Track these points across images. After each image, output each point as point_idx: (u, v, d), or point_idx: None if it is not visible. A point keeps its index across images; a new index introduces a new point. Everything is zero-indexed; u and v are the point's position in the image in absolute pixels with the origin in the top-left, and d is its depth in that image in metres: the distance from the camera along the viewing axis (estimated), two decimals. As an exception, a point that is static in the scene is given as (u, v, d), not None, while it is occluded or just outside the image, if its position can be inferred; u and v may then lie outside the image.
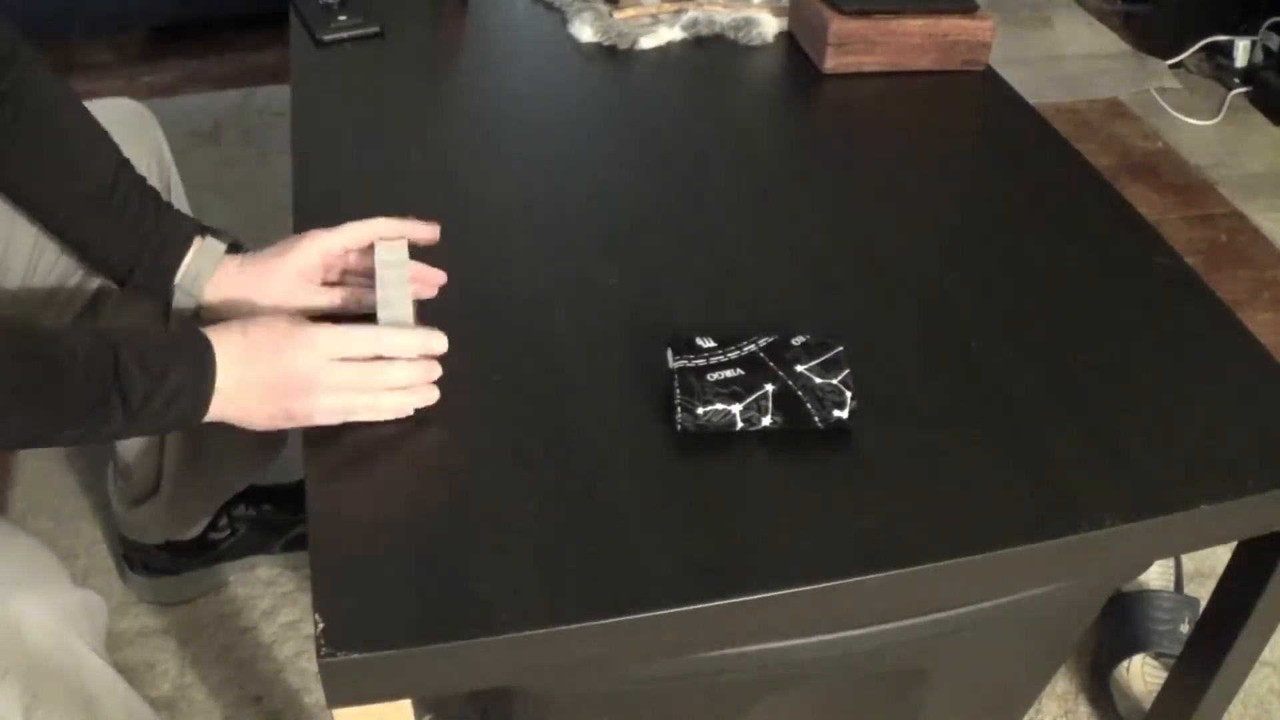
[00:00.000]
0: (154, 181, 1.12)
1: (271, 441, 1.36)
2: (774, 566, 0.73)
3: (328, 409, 0.81)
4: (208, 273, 0.97)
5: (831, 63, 1.29)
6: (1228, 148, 2.33)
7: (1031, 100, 1.28)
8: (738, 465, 0.80)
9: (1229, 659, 0.94)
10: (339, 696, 0.69)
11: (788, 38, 1.38)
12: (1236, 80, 2.49)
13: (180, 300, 0.98)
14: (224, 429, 1.27)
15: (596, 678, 0.84)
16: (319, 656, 0.66)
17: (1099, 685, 1.30)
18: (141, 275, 0.98)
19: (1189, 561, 1.40)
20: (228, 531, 1.38)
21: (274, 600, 1.38)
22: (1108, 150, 2.30)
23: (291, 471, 1.36)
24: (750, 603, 0.71)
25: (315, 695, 1.29)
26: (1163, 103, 2.44)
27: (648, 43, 1.35)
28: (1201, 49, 2.57)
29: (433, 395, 0.83)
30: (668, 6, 1.39)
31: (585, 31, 1.36)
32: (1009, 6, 2.76)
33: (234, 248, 0.99)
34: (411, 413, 0.82)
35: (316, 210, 1.01)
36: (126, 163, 1.00)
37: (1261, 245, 2.06)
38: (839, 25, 1.27)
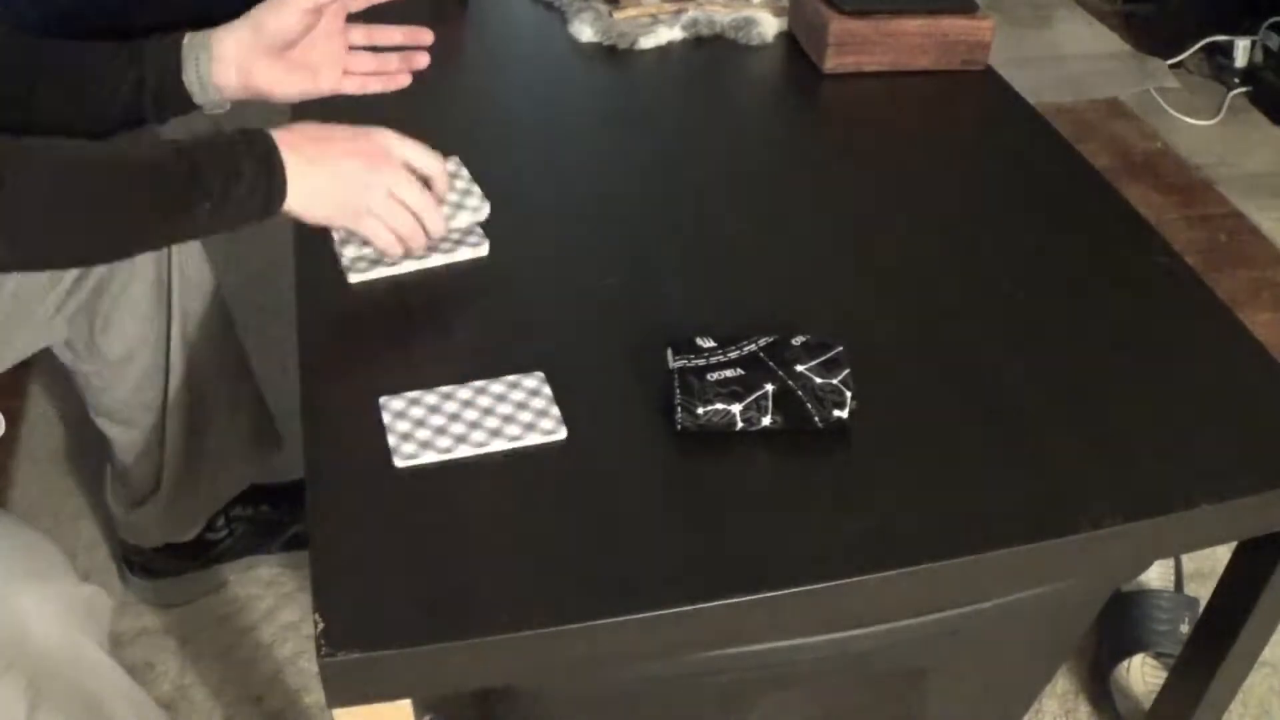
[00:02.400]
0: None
1: (269, 442, 1.36)
2: (774, 566, 0.73)
3: (389, 217, 0.89)
4: (207, 51, 0.97)
5: (831, 63, 1.29)
6: (1228, 148, 2.33)
7: (1031, 100, 1.28)
8: (738, 465, 0.80)
9: (1229, 659, 0.94)
10: (339, 696, 0.69)
11: (788, 38, 1.38)
12: (1236, 80, 2.49)
13: (199, 94, 0.98)
14: (222, 430, 1.27)
15: (596, 678, 0.84)
16: (319, 656, 0.66)
17: (1099, 685, 1.30)
18: (151, 96, 0.97)
19: (1189, 561, 1.40)
20: (225, 532, 1.37)
21: (274, 600, 1.38)
22: (1108, 150, 2.30)
23: (288, 471, 1.36)
24: (750, 603, 0.71)
25: (315, 695, 1.28)
26: (1163, 103, 2.44)
27: (648, 43, 1.35)
28: (1201, 49, 2.57)
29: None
30: (668, 6, 1.39)
31: (585, 31, 1.36)
32: (1009, 6, 2.76)
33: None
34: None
35: (316, 210, 1.01)
36: (96, 48, 0.99)
37: (1261, 245, 2.06)
38: (839, 25, 1.27)
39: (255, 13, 0.97)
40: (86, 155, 0.83)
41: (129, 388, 1.20)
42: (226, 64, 0.97)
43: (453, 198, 0.97)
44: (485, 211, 0.98)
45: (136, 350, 1.17)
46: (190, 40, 0.97)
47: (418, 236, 0.92)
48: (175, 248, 1.15)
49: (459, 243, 0.98)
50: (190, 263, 1.18)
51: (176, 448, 1.24)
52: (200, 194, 0.82)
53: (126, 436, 1.24)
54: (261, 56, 0.97)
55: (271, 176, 0.85)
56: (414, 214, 0.91)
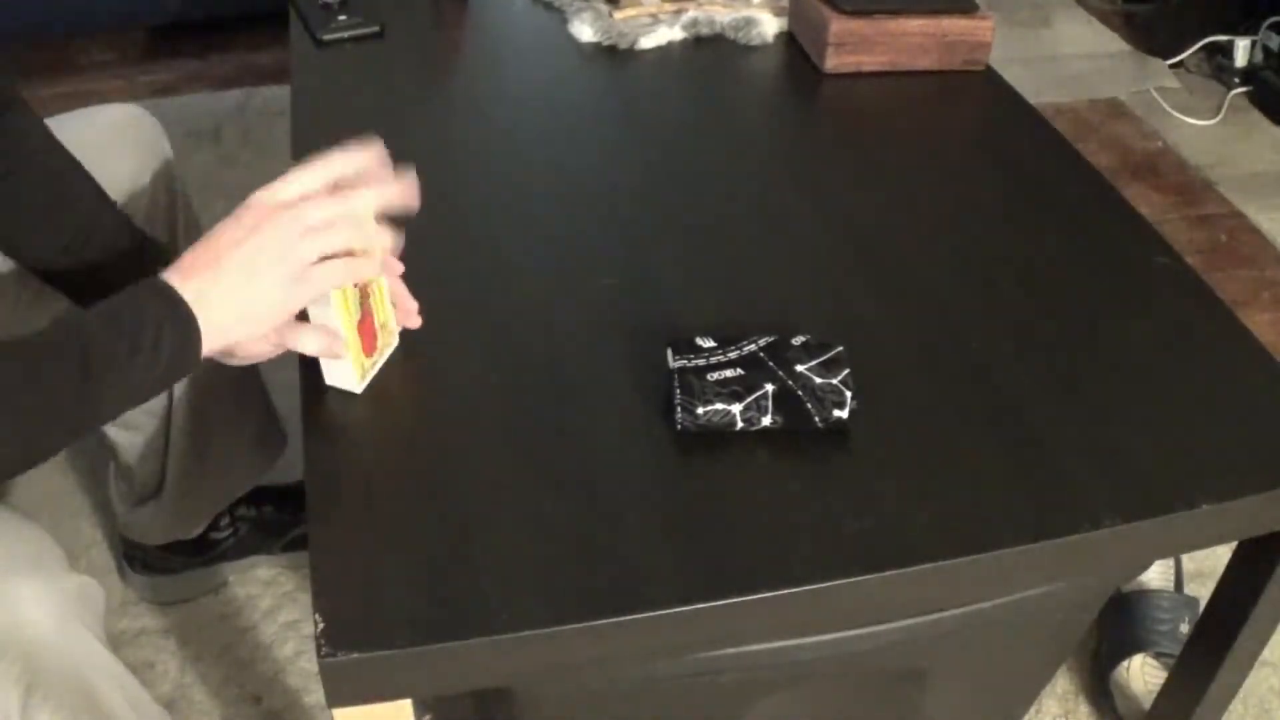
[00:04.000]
0: (158, 186, 1.12)
1: (274, 442, 1.36)
2: (774, 566, 0.73)
3: (319, 249, 0.76)
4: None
5: (831, 63, 1.29)
6: (1228, 148, 2.33)
7: (1031, 100, 1.28)
8: (738, 465, 0.80)
9: (1229, 659, 0.94)
10: (339, 696, 0.69)
11: (788, 38, 1.38)
12: (1236, 80, 2.49)
13: None
14: (227, 432, 1.27)
15: (596, 678, 0.84)
16: (319, 656, 0.67)
17: (1099, 685, 1.30)
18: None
19: (1189, 561, 1.40)
20: (229, 531, 1.38)
21: (274, 600, 1.39)
22: (1108, 150, 2.30)
23: (292, 472, 1.36)
24: (750, 603, 0.71)
25: (315, 695, 1.29)
26: (1163, 103, 2.44)
27: (648, 43, 1.35)
28: (1201, 49, 2.57)
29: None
30: (668, 6, 1.39)
31: (585, 31, 1.36)
32: (1009, 6, 2.76)
33: None
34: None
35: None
36: (107, 204, 0.99)
37: (1261, 245, 2.06)
38: (839, 25, 1.27)
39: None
40: None
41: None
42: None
43: None
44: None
45: None
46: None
47: (367, 239, 0.79)
48: None
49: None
50: None
51: (181, 450, 1.24)
52: (99, 364, 0.71)
53: (130, 440, 1.24)
54: None
55: (186, 334, 0.74)
56: (342, 220, 0.78)
